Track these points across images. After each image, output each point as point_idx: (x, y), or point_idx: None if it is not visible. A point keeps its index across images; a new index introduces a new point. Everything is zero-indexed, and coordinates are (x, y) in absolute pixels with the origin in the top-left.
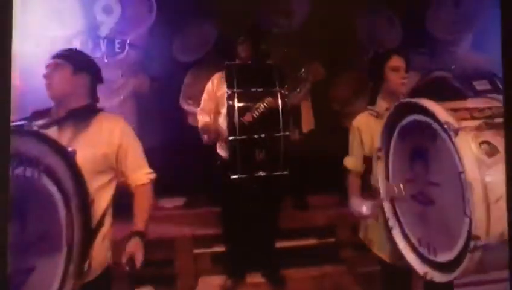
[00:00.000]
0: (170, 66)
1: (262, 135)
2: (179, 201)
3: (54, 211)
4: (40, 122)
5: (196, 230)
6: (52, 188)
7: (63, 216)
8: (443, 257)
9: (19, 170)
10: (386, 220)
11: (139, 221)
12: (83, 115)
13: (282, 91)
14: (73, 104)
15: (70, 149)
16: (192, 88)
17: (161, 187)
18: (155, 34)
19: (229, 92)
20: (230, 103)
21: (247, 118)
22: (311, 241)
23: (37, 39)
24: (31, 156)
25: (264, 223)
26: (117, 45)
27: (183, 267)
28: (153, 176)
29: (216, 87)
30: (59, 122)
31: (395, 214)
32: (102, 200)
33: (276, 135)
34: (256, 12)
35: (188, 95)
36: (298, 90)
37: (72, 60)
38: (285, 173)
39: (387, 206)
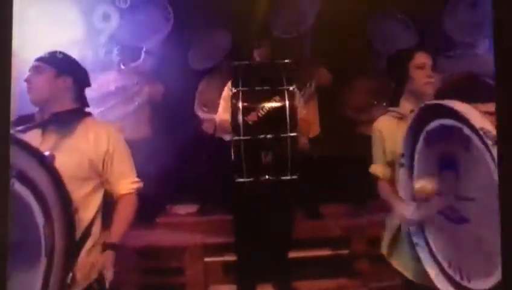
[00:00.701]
0: (185, 74)
1: (269, 136)
2: (193, 208)
3: (30, 219)
4: (22, 127)
5: (208, 238)
6: (28, 195)
7: (42, 225)
8: (478, 285)
9: None
10: (410, 234)
11: (115, 232)
12: (68, 119)
13: (290, 89)
14: (57, 108)
15: (47, 153)
16: (206, 95)
17: (175, 194)
18: (171, 42)
19: (234, 90)
20: (234, 101)
21: (252, 117)
22: (324, 252)
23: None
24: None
25: (276, 233)
26: (133, 52)
27: (194, 276)
28: (138, 185)
29: None
30: (43, 127)
31: (421, 228)
32: (89, 209)
33: (283, 135)
34: (268, 19)
35: (203, 102)
36: (302, 92)
37: (54, 62)
38: (294, 177)
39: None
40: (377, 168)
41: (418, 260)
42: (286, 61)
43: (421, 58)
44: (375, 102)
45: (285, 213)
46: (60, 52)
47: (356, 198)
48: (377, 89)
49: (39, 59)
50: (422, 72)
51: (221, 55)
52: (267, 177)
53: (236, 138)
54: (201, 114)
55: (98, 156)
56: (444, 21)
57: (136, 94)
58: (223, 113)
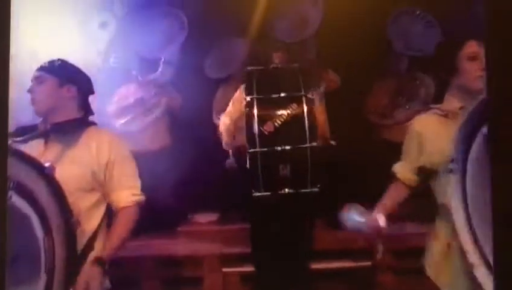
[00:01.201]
0: (202, 83)
1: (287, 147)
2: (213, 216)
3: (30, 233)
4: (24, 137)
5: (227, 247)
6: (26, 208)
7: (41, 238)
8: None
9: None
10: (464, 253)
11: (107, 247)
12: (71, 129)
13: (309, 95)
14: (61, 117)
15: (47, 164)
16: (223, 104)
17: (196, 202)
18: (186, 51)
19: (248, 98)
20: (249, 110)
21: (268, 127)
22: (345, 264)
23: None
24: None
25: (295, 243)
26: (150, 64)
27: (212, 286)
28: (138, 198)
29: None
30: (45, 137)
31: (479, 247)
32: (92, 221)
33: (302, 146)
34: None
35: (220, 111)
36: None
37: (56, 72)
38: (315, 190)
39: (465, 233)
40: (399, 168)
41: (476, 284)
42: (295, 65)
43: (473, 47)
44: (407, 106)
45: (304, 223)
46: (61, 60)
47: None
48: (399, 91)
49: (41, 69)
50: (474, 64)
51: (237, 63)
52: (285, 190)
53: (252, 150)
54: (218, 122)
55: (100, 167)
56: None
57: (155, 105)
58: (224, 117)
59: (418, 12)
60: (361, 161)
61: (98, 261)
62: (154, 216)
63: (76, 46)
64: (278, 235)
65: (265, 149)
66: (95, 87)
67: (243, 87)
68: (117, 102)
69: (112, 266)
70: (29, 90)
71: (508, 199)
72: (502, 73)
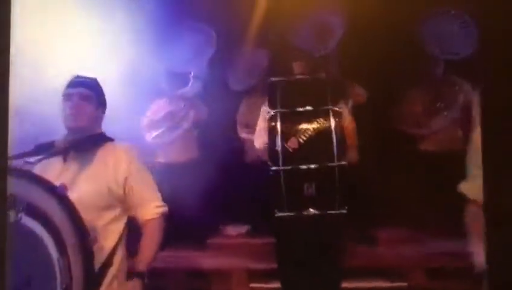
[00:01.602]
0: (226, 95)
1: (312, 166)
2: (243, 229)
3: (43, 254)
4: (41, 155)
5: (255, 262)
6: (38, 228)
7: (56, 259)
8: None
9: None
10: None
11: (142, 261)
12: (89, 146)
13: (336, 109)
14: (85, 134)
15: (59, 184)
16: (247, 116)
17: (226, 214)
18: (213, 64)
19: (271, 112)
20: (273, 125)
21: (293, 143)
22: (379, 284)
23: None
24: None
25: (324, 261)
26: (180, 77)
27: None
28: (162, 209)
29: None
30: (64, 154)
31: None
32: (110, 238)
33: (330, 165)
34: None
35: (244, 123)
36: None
37: (97, 92)
38: (343, 211)
39: None
40: (471, 187)
41: None
42: (321, 75)
43: None
44: (445, 113)
45: (332, 241)
46: (97, 80)
47: (416, 222)
48: (435, 97)
49: (84, 85)
50: None
51: (259, 74)
52: (310, 211)
53: (274, 168)
54: (244, 135)
55: (118, 183)
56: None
57: (183, 118)
58: (257, 137)
59: (452, 12)
60: (394, 175)
61: (140, 276)
62: (184, 228)
63: (108, 63)
64: (303, 254)
65: (289, 167)
66: (127, 101)
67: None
68: (149, 116)
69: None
70: (74, 106)
71: (500, 198)
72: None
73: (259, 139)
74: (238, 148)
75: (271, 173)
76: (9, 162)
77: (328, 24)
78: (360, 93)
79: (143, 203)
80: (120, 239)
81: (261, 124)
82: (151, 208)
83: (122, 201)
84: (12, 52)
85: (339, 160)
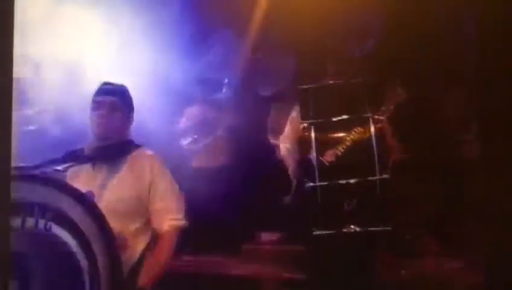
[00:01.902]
0: (256, 101)
1: (352, 181)
2: (276, 235)
3: (72, 261)
4: (71, 162)
5: (286, 270)
6: (66, 236)
7: (85, 266)
8: None
9: (17, 222)
10: None
11: (148, 276)
12: (118, 153)
13: (376, 117)
14: (113, 141)
15: (86, 191)
16: (276, 122)
17: (259, 220)
18: (244, 71)
19: (305, 124)
20: (305, 137)
21: (329, 157)
22: None
23: None
24: (33, 205)
25: (356, 273)
26: (213, 84)
27: None
28: (178, 223)
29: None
30: (93, 161)
31: None
32: (138, 246)
33: (371, 179)
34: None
35: (273, 129)
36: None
37: (126, 101)
38: (388, 228)
39: None
40: None
41: None
42: (358, 80)
43: None
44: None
45: (370, 257)
46: (126, 87)
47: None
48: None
49: (113, 94)
50: None
51: (287, 79)
52: (351, 228)
53: (311, 184)
54: (273, 141)
55: (144, 191)
56: None
57: (216, 124)
58: (283, 143)
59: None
60: (438, 180)
61: None
62: (219, 233)
63: (144, 71)
64: (341, 270)
65: (326, 183)
66: (163, 108)
67: (298, 109)
68: (184, 122)
69: (171, 281)
70: (102, 115)
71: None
72: None
73: (283, 148)
74: (270, 153)
75: (307, 189)
76: (38, 170)
77: (366, 24)
78: (401, 95)
79: (161, 214)
80: (146, 248)
81: (288, 132)
82: (168, 219)
83: (147, 208)
84: (16, 56)
85: (381, 173)
